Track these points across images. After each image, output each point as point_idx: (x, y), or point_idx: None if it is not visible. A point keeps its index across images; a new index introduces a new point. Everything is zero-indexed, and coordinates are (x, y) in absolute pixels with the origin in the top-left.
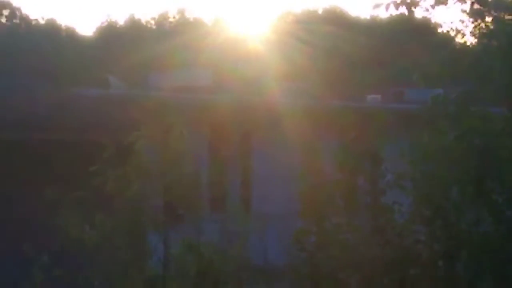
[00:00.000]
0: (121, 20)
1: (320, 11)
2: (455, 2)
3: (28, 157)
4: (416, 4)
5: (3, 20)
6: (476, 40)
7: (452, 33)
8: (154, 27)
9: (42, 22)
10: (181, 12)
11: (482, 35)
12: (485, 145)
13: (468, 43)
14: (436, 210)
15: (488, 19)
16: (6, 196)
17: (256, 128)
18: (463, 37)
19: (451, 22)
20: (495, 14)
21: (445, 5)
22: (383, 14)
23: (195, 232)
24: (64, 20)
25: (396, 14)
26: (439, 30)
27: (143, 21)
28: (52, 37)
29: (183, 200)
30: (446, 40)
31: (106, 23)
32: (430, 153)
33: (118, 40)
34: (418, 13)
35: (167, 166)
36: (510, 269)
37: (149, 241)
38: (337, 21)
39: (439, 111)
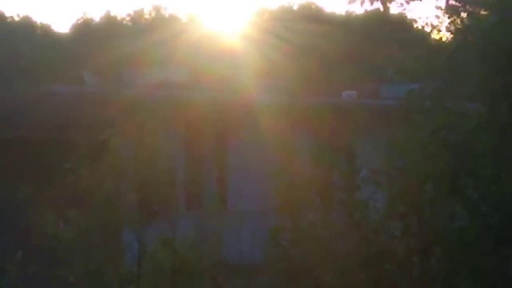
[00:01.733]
0: (96, 17)
1: (295, 7)
2: None
3: (3, 154)
4: (391, 0)
5: None
6: (451, 35)
7: (428, 29)
8: (129, 24)
9: (17, 19)
10: (157, 9)
11: (458, 31)
12: (460, 140)
13: (443, 39)
14: (411, 206)
15: (464, 14)
16: None
17: (232, 125)
18: (438, 32)
19: (427, 18)
20: (470, 9)
21: (420, 0)
22: (359, 9)
23: (170, 229)
24: (40, 17)
25: (372, 10)
26: (415, 25)
27: (119, 18)
28: (28, 34)
29: (158, 197)
30: (422, 36)
31: (81, 20)
32: (405, 148)
33: (93, 37)
34: (394, 8)
35: (142, 163)
36: (485, 264)
37: (124, 238)
38: (313, 17)
39: (415, 106)
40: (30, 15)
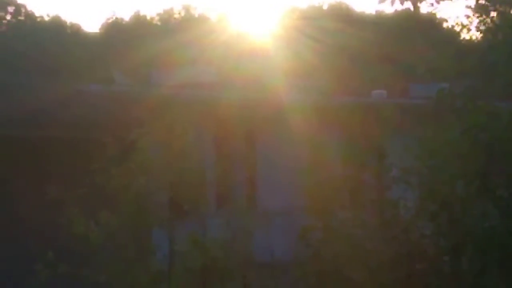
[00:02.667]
0: (126, 16)
1: (325, 7)
2: None
3: (32, 154)
4: None
5: (8, 17)
6: (481, 35)
7: (458, 28)
8: (159, 23)
9: (47, 19)
10: (186, 9)
11: (487, 30)
12: (491, 139)
13: (473, 38)
14: (441, 205)
15: (493, 13)
16: (9, 193)
17: (261, 125)
18: (468, 32)
19: (457, 17)
20: (501, 8)
21: (450, 0)
22: (389, 9)
23: (201, 228)
24: (69, 17)
25: (402, 9)
26: (445, 25)
27: (148, 17)
28: (57, 34)
29: (188, 196)
30: (452, 35)
31: (111, 20)
32: (436, 148)
33: (123, 37)
34: (424, 8)
35: (171, 163)
36: None
37: (154, 237)
38: (343, 16)
39: (445, 105)
40: (59, 15)
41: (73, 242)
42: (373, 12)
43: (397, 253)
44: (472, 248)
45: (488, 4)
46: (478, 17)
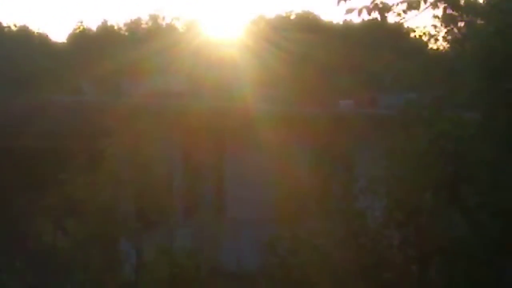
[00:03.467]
0: (93, 26)
1: (293, 16)
2: (427, 7)
3: (1, 164)
4: (388, 9)
5: None
6: (448, 45)
7: (425, 38)
8: (126, 33)
9: (14, 28)
10: (154, 18)
11: (455, 40)
12: (457, 149)
13: (440, 48)
14: (409, 215)
15: (461, 24)
16: None
17: (230, 134)
18: (435, 42)
19: (424, 27)
20: (468, 19)
21: (417, 10)
22: (356, 19)
23: (168, 238)
24: (37, 26)
25: (369, 19)
26: (412, 35)
27: (116, 27)
28: (25, 43)
29: (156, 206)
30: (419, 45)
31: (78, 29)
32: (403, 157)
33: (91, 46)
34: (391, 18)
35: (139, 172)
36: (484, 273)
37: (122, 247)
38: (310, 26)
39: (413, 115)
40: (27, 25)
41: (41, 251)
42: (341, 22)
43: (364, 263)
44: (440, 258)
45: (456, 14)
46: (445, 27)
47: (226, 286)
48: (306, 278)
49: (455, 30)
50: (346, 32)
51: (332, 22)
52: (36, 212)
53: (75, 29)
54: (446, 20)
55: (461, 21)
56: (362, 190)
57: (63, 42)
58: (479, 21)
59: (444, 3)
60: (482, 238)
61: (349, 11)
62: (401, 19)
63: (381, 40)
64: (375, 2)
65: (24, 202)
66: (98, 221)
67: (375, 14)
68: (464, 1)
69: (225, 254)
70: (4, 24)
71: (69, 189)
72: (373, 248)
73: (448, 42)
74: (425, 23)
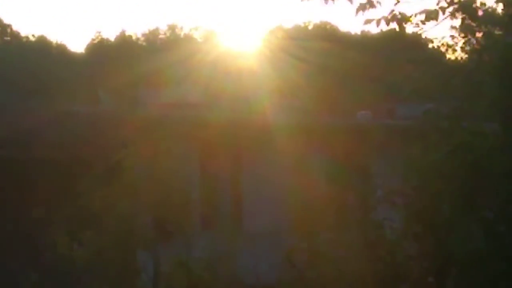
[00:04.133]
0: (112, 36)
1: (310, 27)
2: (446, 17)
3: (17, 175)
4: (407, 20)
5: None
6: (466, 55)
7: (443, 49)
8: (144, 43)
9: (33, 39)
10: (172, 29)
11: (473, 51)
12: (476, 160)
13: (458, 59)
14: (427, 226)
15: (479, 34)
16: None
17: (247, 145)
18: (453, 52)
19: (442, 38)
20: (486, 29)
21: (436, 20)
22: (374, 29)
23: (185, 249)
24: (55, 36)
25: (387, 30)
26: (430, 45)
27: (134, 37)
28: (43, 53)
29: (173, 217)
30: (437, 56)
31: (97, 40)
32: (421, 168)
33: (108, 57)
34: (409, 28)
35: (156, 183)
36: (501, 285)
37: (139, 258)
38: (328, 36)
39: (431, 126)
40: (45, 35)
41: (58, 262)
42: (359, 33)
43: (382, 274)
44: (457, 270)
45: (474, 25)
46: (463, 37)
47: None
48: None
49: (473, 40)
50: (363, 42)
51: (349, 32)
52: (52, 224)
53: (93, 40)
54: (464, 30)
55: (479, 31)
56: (379, 201)
57: (81, 53)
58: (497, 32)
59: (462, 14)
60: (500, 250)
61: (368, 21)
62: (419, 30)
63: (399, 51)
64: (394, 12)
65: (40, 213)
66: (115, 232)
67: (393, 25)
68: (482, 12)
69: (242, 266)
70: (23, 35)
71: (86, 200)
72: (390, 259)
73: (466, 53)
74: (443, 34)
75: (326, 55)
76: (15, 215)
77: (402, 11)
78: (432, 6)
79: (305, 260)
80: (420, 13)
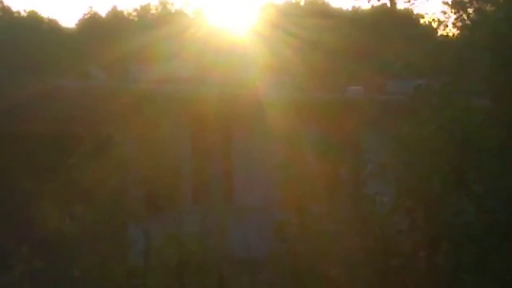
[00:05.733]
0: (103, 12)
1: (302, 3)
2: None
3: (8, 149)
4: None
5: None
6: (458, 31)
7: (434, 24)
8: (136, 19)
9: (24, 14)
10: (163, 4)
11: (464, 26)
12: (466, 135)
13: (450, 34)
14: (417, 201)
15: (470, 10)
16: None
17: (238, 120)
18: (445, 28)
19: (433, 13)
20: (477, 5)
21: None
22: (365, 5)
23: (176, 223)
24: (47, 12)
25: (378, 5)
26: (421, 21)
27: (125, 13)
28: (34, 29)
29: (164, 192)
30: (428, 31)
31: (88, 15)
32: (412, 143)
33: (100, 32)
34: (400, 4)
35: (147, 158)
36: (492, 259)
37: (130, 232)
38: (319, 12)
39: (422, 101)
40: (36, 10)
41: (48, 236)
42: (350, 8)
43: (372, 248)
44: (448, 244)
45: (465, 0)
46: (455, 13)
47: (234, 271)
48: (314, 263)
49: (465, 16)
50: (355, 18)
51: (341, 8)
52: (42, 197)
53: (85, 15)
54: (456, 6)
55: (471, 7)
56: (370, 176)
57: (73, 28)
58: (488, 7)
59: None
60: (490, 224)
61: None
62: (410, 5)
63: (390, 26)
64: None
65: (30, 187)
66: (106, 207)
67: (385, 0)
68: None
69: (233, 240)
70: (14, 10)
71: (77, 173)
72: (381, 234)
73: (457, 29)
74: (435, 10)
75: (317, 31)
76: (5, 189)
77: None
78: None
79: (295, 234)
80: None
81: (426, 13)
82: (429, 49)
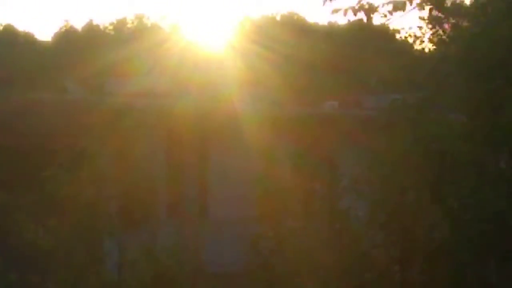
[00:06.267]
0: (79, 25)
1: (278, 17)
2: (413, 8)
3: None
4: (374, 10)
5: None
6: (434, 46)
7: (410, 40)
8: (112, 32)
9: None
10: (139, 18)
11: (440, 42)
12: (442, 150)
13: (426, 50)
14: (392, 215)
15: (446, 25)
16: None
17: (214, 134)
18: (421, 43)
19: (409, 28)
20: (453, 21)
21: (403, 11)
22: (342, 20)
23: (151, 236)
24: (23, 25)
25: (354, 20)
26: (397, 36)
27: (101, 26)
28: (10, 42)
29: (139, 205)
30: (404, 47)
31: (64, 28)
32: (387, 158)
33: (76, 45)
34: (376, 19)
35: (122, 171)
36: (466, 274)
37: (105, 246)
38: (296, 27)
39: (397, 116)
40: (12, 23)
41: (23, 249)
42: (326, 23)
43: (347, 262)
44: (423, 258)
45: (441, 16)
46: (431, 28)
47: (209, 285)
48: (289, 277)
49: (441, 31)
50: (331, 33)
51: (317, 23)
52: (16, 209)
53: (61, 28)
54: (432, 21)
55: (447, 22)
56: (345, 190)
57: (49, 41)
58: (465, 23)
59: (430, 5)
60: (465, 239)
61: (335, 11)
62: (386, 20)
63: (367, 41)
64: (361, 2)
65: (5, 199)
66: (81, 219)
67: (361, 15)
68: (450, 3)
69: (208, 253)
70: None
71: (52, 186)
72: (355, 248)
73: (433, 44)
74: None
75: (293, 45)
76: None
77: (370, 1)
78: None
79: (271, 248)
80: (388, 3)
81: (402, 28)
82: (405, 64)
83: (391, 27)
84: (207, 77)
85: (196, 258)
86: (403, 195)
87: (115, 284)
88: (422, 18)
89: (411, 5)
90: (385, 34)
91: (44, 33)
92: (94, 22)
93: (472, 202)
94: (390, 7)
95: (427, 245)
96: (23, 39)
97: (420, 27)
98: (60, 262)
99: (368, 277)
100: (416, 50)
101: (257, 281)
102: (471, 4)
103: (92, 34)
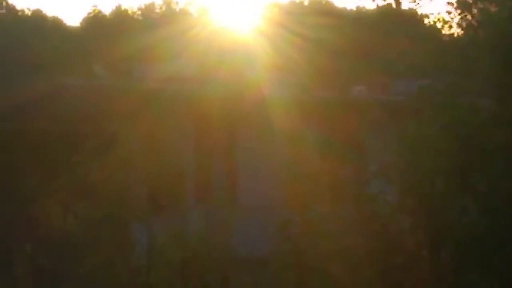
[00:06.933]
0: (107, 10)
1: (306, 2)
2: None
3: (14, 146)
4: None
5: None
6: (462, 31)
7: (439, 25)
8: (140, 18)
9: (28, 12)
10: (167, 3)
11: (469, 27)
12: (470, 135)
13: (454, 35)
14: (421, 200)
15: (475, 10)
16: None
17: (242, 119)
18: (449, 28)
19: (438, 13)
20: (481, 6)
21: None
22: (370, 5)
23: (180, 221)
24: (51, 10)
25: (383, 5)
26: (426, 21)
27: (130, 11)
28: (39, 27)
29: (167, 190)
30: (433, 32)
31: (92, 14)
32: (416, 143)
33: (104, 31)
34: (405, 4)
35: (151, 156)
36: (495, 258)
37: (134, 231)
38: (324, 12)
39: (426, 101)
40: (41, 9)
41: (52, 234)
42: (354, 8)
43: (375, 248)
44: (451, 243)
45: (470, 1)
46: (459, 13)
47: (237, 270)
48: (317, 262)
49: (469, 16)
50: (359, 18)
51: (345, 8)
52: (46, 195)
53: (89, 13)
54: (460, 6)
55: (475, 7)
56: (374, 175)
57: (77, 26)
58: (493, 8)
59: None
60: (493, 224)
61: None
62: (415, 5)
63: (395, 26)
64: None
65: (35, 185)
66: (110, 204)
67: (390, 0)
68: None
69: (236, 239)
70: (18, 8)
71: (81, 172)
72: (384, 233)
73: (462, 29)
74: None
75: (321, 30)
76: (11, 184)
77: None
78: None
79: (299, 233)
80: None
81: (431, 13)
82: (433, 49)
83: (420, 12)
84: (235, 62)
85: (225, 243)
86: (432, 180)
87: (144, 268)
88: (450, 3)
89: None
90: (414, 19)
91: (73, 18)
92: (123, 7)
93: (500, 186)
94: None
95: (455, 230)
96: (52, 24)
97: (449, 12)
98: (89, 247)
99: (396, 261)
100: (445, 35)
101: (285, 266)
102: None
103: (120, 19)
